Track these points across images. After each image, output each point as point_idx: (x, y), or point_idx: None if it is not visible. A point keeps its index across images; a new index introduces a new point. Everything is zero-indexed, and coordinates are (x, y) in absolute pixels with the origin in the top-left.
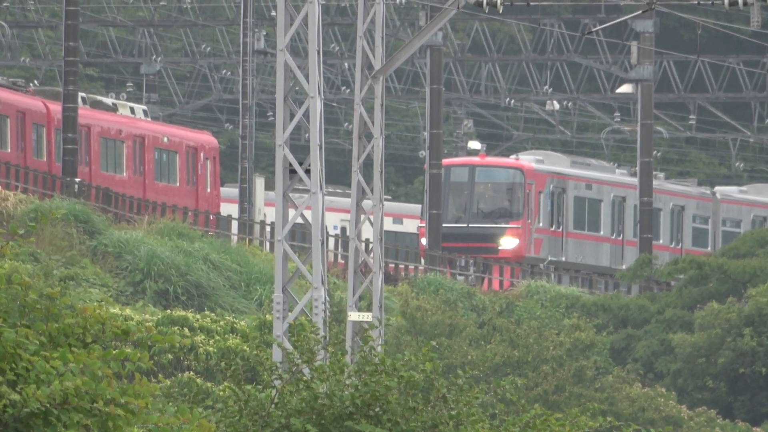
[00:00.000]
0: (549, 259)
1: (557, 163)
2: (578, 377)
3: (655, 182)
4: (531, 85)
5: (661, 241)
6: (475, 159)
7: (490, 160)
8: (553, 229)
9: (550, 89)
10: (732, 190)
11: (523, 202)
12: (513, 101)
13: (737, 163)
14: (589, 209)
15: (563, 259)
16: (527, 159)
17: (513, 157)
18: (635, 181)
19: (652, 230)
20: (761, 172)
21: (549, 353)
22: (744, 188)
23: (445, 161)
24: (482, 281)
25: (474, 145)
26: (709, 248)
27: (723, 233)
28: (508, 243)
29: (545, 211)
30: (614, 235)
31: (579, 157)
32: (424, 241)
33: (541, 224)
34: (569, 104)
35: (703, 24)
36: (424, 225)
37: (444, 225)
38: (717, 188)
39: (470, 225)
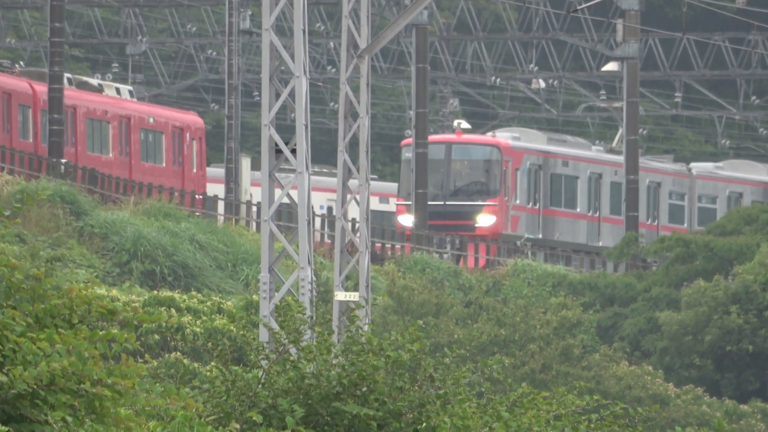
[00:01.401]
0: (526, 236)
1: (534, 140)
2: (565, 356)
3: None
4: (516, 63)
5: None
6: (452, 136)
7: (467, 137)
8: (530, 206)
9: (536, 67)
10: (708, 166)
11: (500, 180)
12: (499, 80)
13: (723, 141)
14: (565, 186)
15: (540, 236)
16: (504, 136)
17: (489, 134)
18: (611, 157)
19: (638, 208)
20: (747, 150)
21: (536, 332)
22: (720, 164)
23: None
24: (460, 259)
25: (463, 124)
26: (685, 225)
27: (699, 209)
28: (485, 220)
29: (522, 188)
30: (591, 212)
31: (555, 134)
32: (401, 219)
33: (518, 201)
34: (555, 82)
35: (688, 1)
36: (402, 203)
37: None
38: (693, 164)
39: (447, 203)
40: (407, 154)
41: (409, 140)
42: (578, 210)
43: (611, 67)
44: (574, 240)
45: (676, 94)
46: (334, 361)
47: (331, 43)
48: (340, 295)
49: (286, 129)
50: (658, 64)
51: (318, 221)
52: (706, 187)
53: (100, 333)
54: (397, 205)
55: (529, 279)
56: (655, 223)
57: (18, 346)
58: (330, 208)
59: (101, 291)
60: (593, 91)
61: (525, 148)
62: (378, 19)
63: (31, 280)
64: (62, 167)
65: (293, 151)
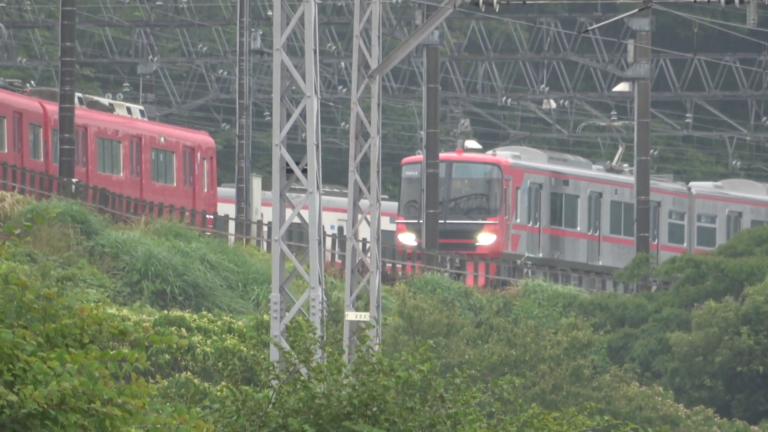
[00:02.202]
0: (526, 255)
1: (534, 159)
2: (576, 376)
3: (630, 178)
4: (528, 83)
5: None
6: (452, 155)
7: (468, 155)
8: (530, 225)
9: (547, 88)
10: (707, 186)
11: (501, 198)
12: (510, 100)
13: (734, 162)
14: (566, 205)
15: (540, 255)
16: (504, 155)
17: (490, 152)
18: (612, 176)
19: (649, 228)
20: (758, 171)
21: (546, 352)
22: (719, 183)
23: (422, 158)
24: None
25: (471, 144)
26: (684, 244)
27: (698, 229)
28: (485, 239)
29: (523, 207)
30: (591, 231)
31: (556, 152)
32: (402, 237)
33: (518, 220)
34: (566, 103)
35: (699, 22)
36: (402, 221)
37: (420, 221)
38: (692, 183)
39: (447, 221)
40: (408, 172)
41: (410, 159)
42: (578, 229)
43: (622, 87)
44: (574, 259)
45: (687, 115)
46: (344, 381)
47: (342, 63)
48: (351, 315)
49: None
50: (669, 85)
51: (329, 241)
52: (706, 206)
53: (111, 353)
54: (397, 223)
55: (539, 299)
56: (656, 243)
57: (29, 365)
58: (341, 228)
59: (112, 311)
60: (604, 111)
61: (526, 167)
62: (389, 39)
63: (42, 299)
64: (73, 187)
65: (304, 171)
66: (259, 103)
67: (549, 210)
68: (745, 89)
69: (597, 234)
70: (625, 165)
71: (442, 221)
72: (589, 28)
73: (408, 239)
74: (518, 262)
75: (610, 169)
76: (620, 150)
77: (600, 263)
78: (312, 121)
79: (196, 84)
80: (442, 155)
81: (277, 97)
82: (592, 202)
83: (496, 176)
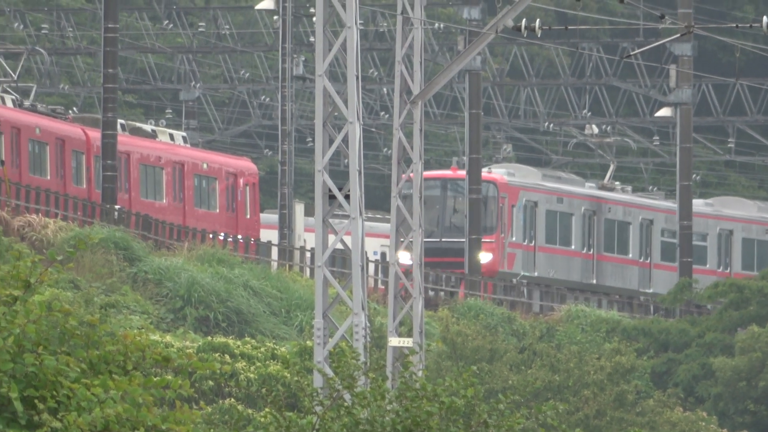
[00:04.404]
0: (522, 273)
1: (528, 176)
2: (619, 401)
3: (624, 196)
4: (570, 109)
5: (630, 256)
6: (447, 173)
7: (463, 173)
8: (526, 243)
9: (589, 113)
10: (698, 203)
11: (497, 216)
12: (552, 125)
13: None
14: (560, 223)
15: (536, 274)
16: (500, 172)
17: (485, 170)
18: (605, 194)
19: (692, 254)
20: None
21: (590, 377)
22: (710, 201)
23: (437, 174)
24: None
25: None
26: (676, 263)
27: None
28: (482, 257)
29: (518, 225)
30: (585, 249)
31: (550, 170)
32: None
33: (514, 238)
34: (608, 128)
35: (741, 47)
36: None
37: (442, 240)
38: None
39: (443, 239)
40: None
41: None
42: (573, 247)
43: (664, 112)
44: (569, 278)
45: (730, 140)
46: (388, 407)
47: (385, 89)
48: (394, 341)
49: (339, 175)
50: (711, 110)
51: (372, 267)
52: (697, 224)
53: (155, 379)
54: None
55: (582, 325)
56: (648, 261)
57: (72, 392)
58: (383, 254)
59: (155, 337)
60: (647, 136)
61: (521, 185)
62: (431, 64)
63: (85, 326)
64: (116, 213)
65: (347, 197)
66: (301, 129)
67: (543, 228)
68: None
69: (592, 252)
70: (617, 183)
71: (437, 239)
72: (632, 53)
73: (404, 257)
74: (514, 280)
75: (602, 187)
76: (611, 168)
77: (594, 282)
78: (354, 146)
79: (238, 110)
80: (437, 173)
81: (319, 123)
82: (586, 220)
83: (492, 194)
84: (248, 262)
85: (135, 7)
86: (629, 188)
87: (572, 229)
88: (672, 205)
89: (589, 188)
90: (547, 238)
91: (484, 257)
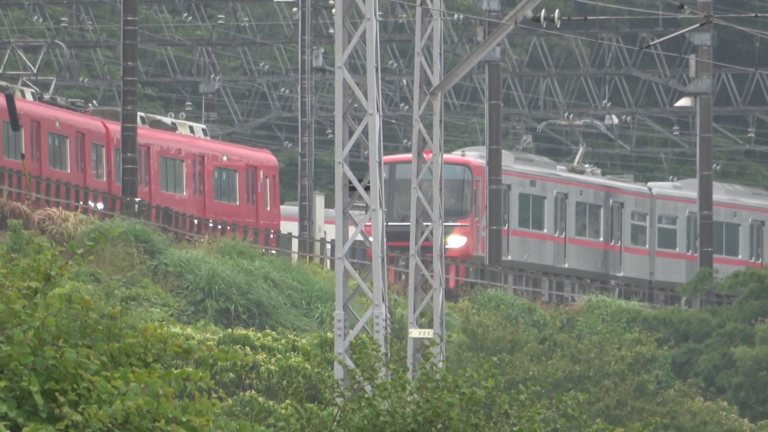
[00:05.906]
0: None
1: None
2: (640, 391)
3: (594, 178)
4: (589, 99)
5: (601, 239)
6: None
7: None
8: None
9: (609, 103)
10: (666, 186)
11: (471, 200)
12: (572, 116)
13: None
14: (533, 206)
15: (509, 257)
16: (473, 155)
17: (458, 152)
18: (576, 177)
19: (712, 243)
20: None
21: (610, 368)
22: (678, 184)
23: (388, 158)
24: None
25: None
26: (646, 246)
27: (659, 230)
28: (455, 242)
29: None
30: (557, 232)
31: (521, 153)
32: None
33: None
34: (628, 118)
35: (761, 36)
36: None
37: (389, 224)
38: (651, 184)
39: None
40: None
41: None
42: (545, 231)
43: (684, 102)
44: (541, 261)
45: (749, 129)
46: (409, 398)
47: (404, 80)
48: (415, 332)
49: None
50: (731, 100)
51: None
52: (666, 207)
53: (175, 371)
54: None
55: (603, 315)
56: (618, 245)
57: (93, 384)
58: None
59: (176, 329)
60: (666, 126)
61: None
62: (450, 55)
63: (105, 319)
64: (136, 206)
65: (367, 189)
66: (321, 121)
67: (516, 211)
68: None
69: (563, 236)
70: (587, 165)
71: (409, 224)
72: (651, 43)
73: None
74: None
75: (572, 170)
76: (581, 150)
77: (566, 266)
78: (374, 138)
79: (258, 102)
80: (410, 156)
81: (339, 115)
82: (558, 203)
83: (467, 177)
84: (268, 254)
85: None
86: (599, 171)
87: (544, 212)
88: (641, 188)
89: (560, 171)
90: (520, 221)
91: (458, 241)
